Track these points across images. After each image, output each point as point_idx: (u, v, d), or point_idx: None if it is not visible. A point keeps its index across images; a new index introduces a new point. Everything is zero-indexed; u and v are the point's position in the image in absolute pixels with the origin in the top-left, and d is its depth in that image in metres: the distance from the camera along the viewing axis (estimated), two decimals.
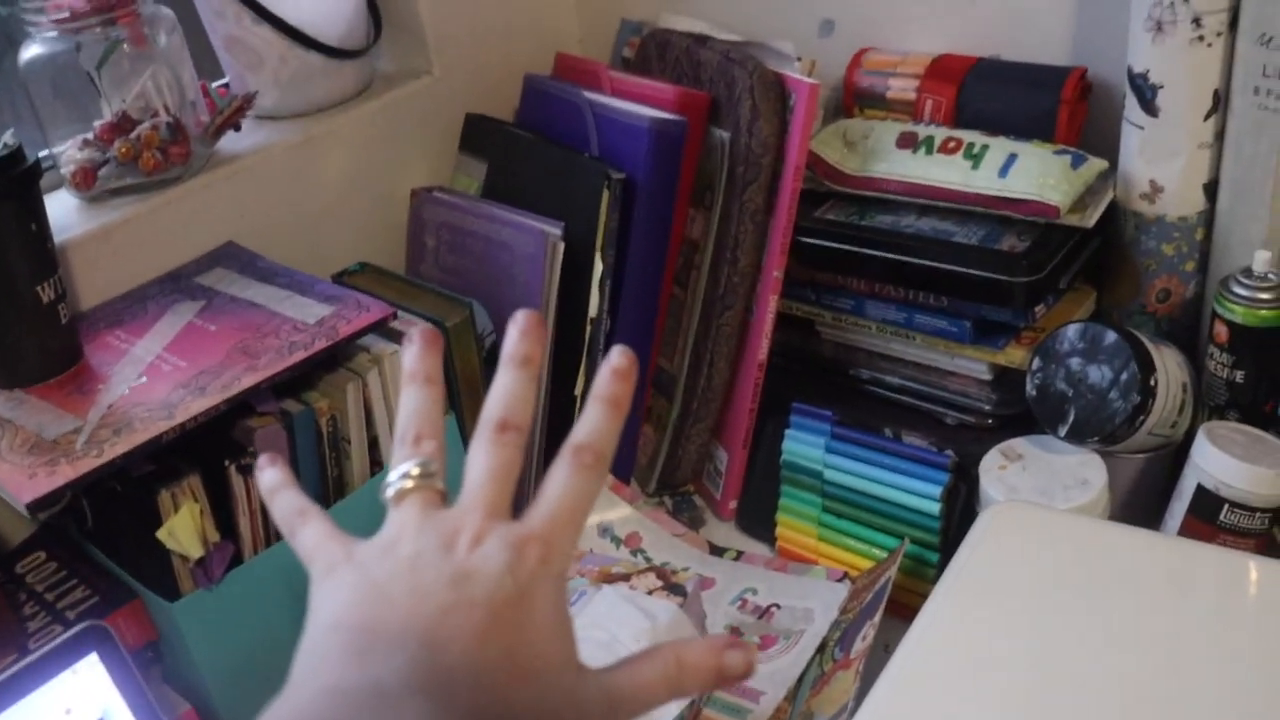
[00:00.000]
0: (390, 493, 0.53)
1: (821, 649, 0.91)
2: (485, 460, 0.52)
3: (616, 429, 0.53)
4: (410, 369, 0.57)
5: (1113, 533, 0.86)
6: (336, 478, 0.96)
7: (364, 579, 0.49)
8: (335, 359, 0.97)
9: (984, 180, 1.01)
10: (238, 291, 1.02)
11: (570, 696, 0.48)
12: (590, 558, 0.95)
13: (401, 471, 0.53)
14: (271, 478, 0.58)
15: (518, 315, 0.56)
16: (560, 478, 0.52)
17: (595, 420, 0.53)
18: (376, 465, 0.98)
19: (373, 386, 0.97)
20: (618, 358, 0.54)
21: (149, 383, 0.91)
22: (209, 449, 0.90)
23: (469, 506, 0.51)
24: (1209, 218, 1.02)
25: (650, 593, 0.87)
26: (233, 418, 0.91)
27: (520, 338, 0.55)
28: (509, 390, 0.54)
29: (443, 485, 0.54)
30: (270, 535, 0.92)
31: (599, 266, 1.06)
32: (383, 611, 0.47)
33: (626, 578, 0.89)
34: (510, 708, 0.46)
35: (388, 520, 0.52)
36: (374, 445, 0.98)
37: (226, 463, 0.89)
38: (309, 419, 0.93)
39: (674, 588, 0.87)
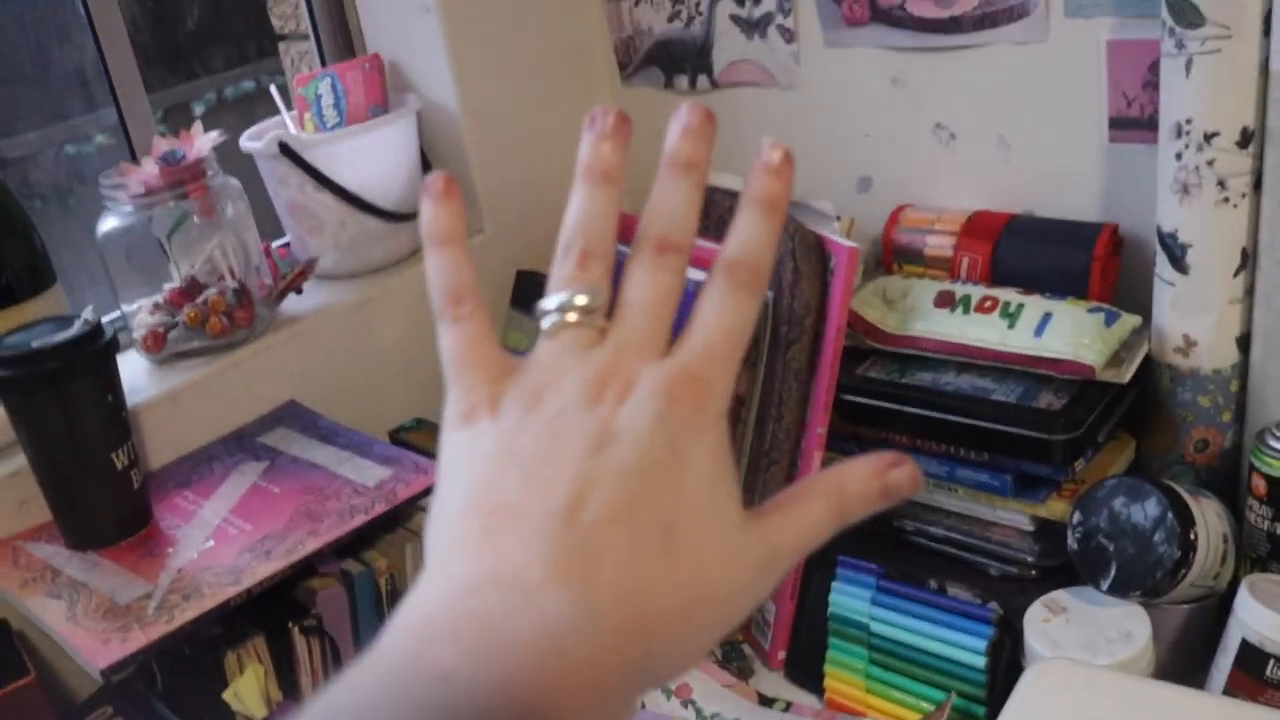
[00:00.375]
0: (546, 324, 0.47)
1: None
2: (641, 287, 0.46)
3: (774, 238, 0.47)
4: (587, 161, 0.49)
5: (1158, 692, 0.87)
6: None
7: (504, 442, 0.44)
8: (394, 519, 1.00)
9: (1020, 340, 1.04)
10: (300, 452, 1.06)
11: (728, 566, 0.43)
12: (642, 714, 0.97)
13: (562, 300, 0.47)
14: (435, 219, 0.51)
15: (682, 107, 0.48)
16: (713, 301, 0.46)
17: (748, 229, 0.47)
18: None
19: None
20: (771, 151, 0.47)
21: (216, 546, 0.95)
22: (273, 610, 0.94)
23: (621, 344, 0.45)
24: (1243, 370, 1.04)
25: None
26: (295, 579, 0.95)
27: (684, 136, 0.48)
28: (671, 201, 0.47)
29: (604, 322, 0.47)
30: None
31: None
32: (521, 490, 0.42)
33: None
34: (662, 594, 0.41)
35: (537, 351, 0.47)
36: None
37: (290, 624, 0.93)
38: (369, 579, 0.96)
39: None
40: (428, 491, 1.01)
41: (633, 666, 0.42)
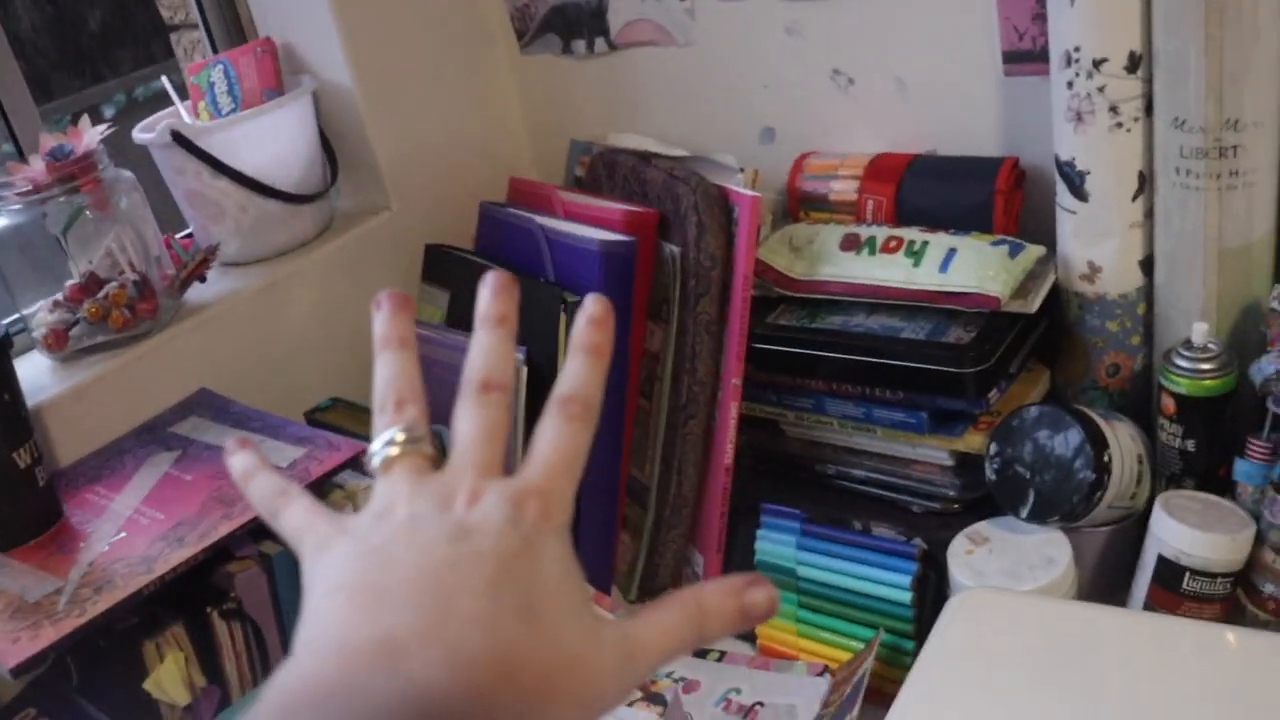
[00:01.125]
0: (376, 462, 0.50)
1: None
2: (472, 421, 0.50)
3: (600, 378, 0.51)
4: (381, 334, 0.55)
5: (1077, 612, 0.88)
6: None
7: (361, 545, 0.46)
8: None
9: (926, 277, 1.04)
10: (212, 439, 1.05)
11: (587, 644, 0.45)
12: None
13: (386, 439, 0.51)
14: (243, 462, 0.55)
15: (487, 276, 0.54)
16: (550, 430, 0.49)
17: (578, 370, 0.51)
18: None
19: None
20: (592, 305, 0.53)
21: (128, 537, 0.93)
22: (191, 597, 0.92)
23: (460, 467, 0.49)
24: (1148, 292, 1.05)
25: (631, 704, 0.89)
26: (212, 564, 0.93)
27: (493, 298, 0.53)
28: (488, 349, 0.52)
29: (430, 450, 0.51)
30: (257, 676, 0.94)
31: None
32: (386, 570, 0.45)
33: None
34: (526, 656, 0.43)
35: (376, 491, 0.50)
36: None
37: (209, 609, 0.91)
38: (287, 559, 0.95)
39: (654, 698, 0.89)
40: (343, 467, 1.00)
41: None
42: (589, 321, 0.53)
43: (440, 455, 0.51)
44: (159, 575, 0.88)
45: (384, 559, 0.45)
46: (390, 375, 0.53)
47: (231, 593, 0.92)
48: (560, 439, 0.49)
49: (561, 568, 0.46)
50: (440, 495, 0.47)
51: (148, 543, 0.92)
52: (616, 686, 0.46)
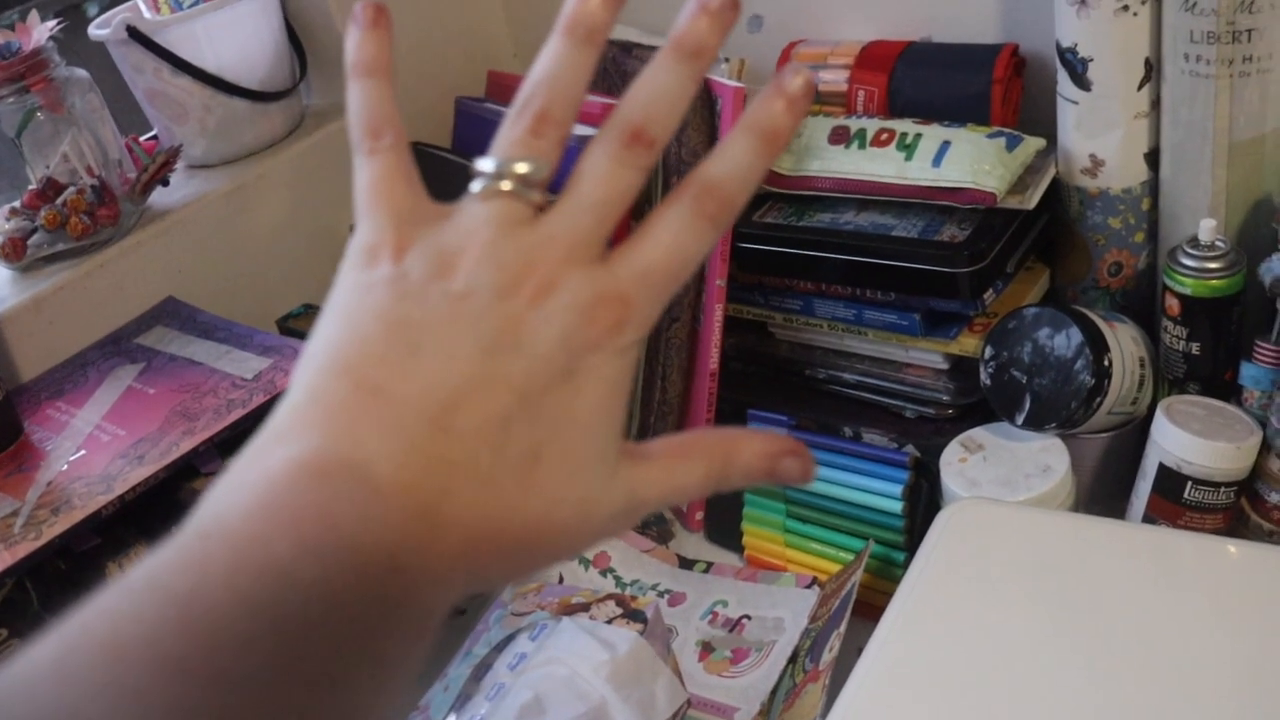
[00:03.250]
0: (477, 186, 0.42)
1: (793, 659, 0.90)
2: (596, 178, 0.42)
3: (761, 174, 0.43)
4: (573, 13, 0.44)
5: (1074, 523, 0.85)
6: None
7: (395, 308, 0.40)
8: None
9: (918, 171, 0.99)
10: (177, 350, 1.01)
11: (587, 508, 0.41)
12: (551, 588, 0.93)
13: (500, 163, 0.42)
14: (359, 48, 0.47)
15: None
16: (671, 222, 0.42)
17: (740, 158, 0.42)
18: None
19: None
20: (791, 80, 0.42)
21: (88, 455, 0.90)
22: (155, 515, 0.89)
23: (553, 235, 0.41)
24: (1153, 187, 1.00)
25: (610, 621, 0.86)
26: (177, 481, 0.90)
27: (698, 16, 0.43)
28: (660, 87, 0.43)
29: (542, 198, 0.42)
30: None
31: None
32: (398, 370, 0.39)
33: (586, 607, 0.88)
34: (509, 521, 0.39)
35: (462, 209, 0.42)
36: None
37: (173, 528, 0.88)
38: None
39: (634, 614, 0.86)
40: None
41: (457, 585, 0.39)
42: (786, 100, 0.42)
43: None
44: (118, 495, 0.85)
45: (408, 348, 0.39)
46: (552, 72, 0.44)
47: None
48: (679, 237, 0.42)
49: (599, 406, 0.40)
50: (513, 271, 0.40)
51: (107, 460, 0.89)
52: (596, 541, 0.43)
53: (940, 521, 0.84)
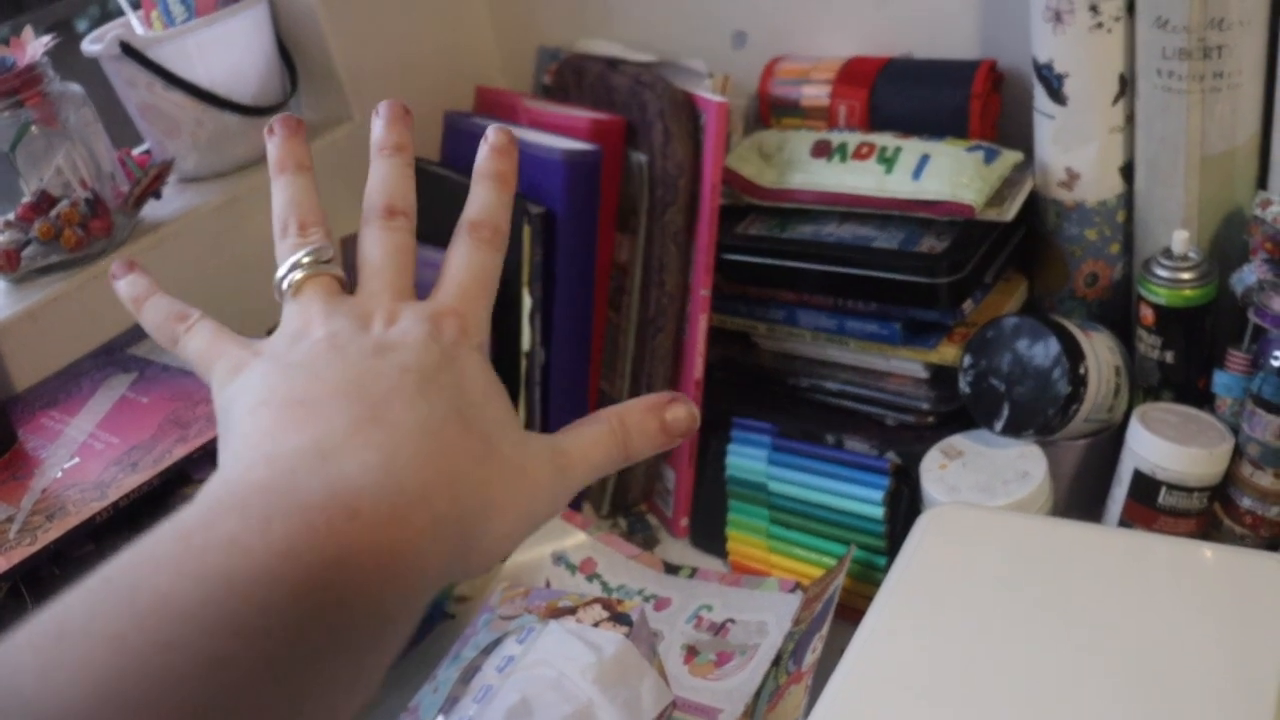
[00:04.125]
0: (285, 286, 0.50)
1: (777, 662, 0.92)
2: (380, 246, 0.50)
3: (507, 204, 0.53)
4: (276, 159, 0.54)
5: (1051, 528, 0.87)
6: None
7: (280, 363, 0.45)
8: None
9: (897, 184, 1.01)
10: (170, 359, 1.02)
11: (521, 454, 0.45)
12: (538, 592, 0.95)
13: (292, 262, 0.50)
14: (131, 286, 0.54)
15: (380, 107, 0.56)
16: (461, 254, 0.50)
17: (485, 197, 0.53)
18: None
19: None
20: (494, 135, 0.54)
21: (82, 463, 0.91)
22: (148, 522, 0.90)
23: (374, 290, 0.49)
24: (1128, 200, 1.02)
25: (596, 624, 0.87)
26: (170, 488, 0.91)
27: (387, 128, 0.55)
28: (388, 177, 0.53)
29: (340, 271, 0.51)
30: None
31: (527, 301, 1.06)
32: (311, 383, 0.44)
33: (573, 611, 0.89)
34: (462, 463, 0.43)
35: (286, 315, 0.49)
36: None
37: None
38: None
39: (620, 617, 0.87)
40: None
41: (441, 540, 0.40)
42: (492, 150, 0.54)
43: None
44: (112, 501, 0.86)
45: (308, 373, 0.44)
46: (289, 198, 0.53)
47: None
48: (472, 262, 0.50)
49: (486, 381, 0.46)
50: (357, 315, 0.47)
51: (101, 468, 0.90)
52: (550, 498, 0.47)
53: (920, 525, 0.86)
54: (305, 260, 0.49)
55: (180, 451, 0.89)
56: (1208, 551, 0.80)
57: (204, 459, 0.91)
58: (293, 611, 0.36)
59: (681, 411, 0.50)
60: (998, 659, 0.74)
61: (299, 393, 0.43)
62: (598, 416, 0.50)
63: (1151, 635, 0.73)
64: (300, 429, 0.41)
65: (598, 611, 0.90)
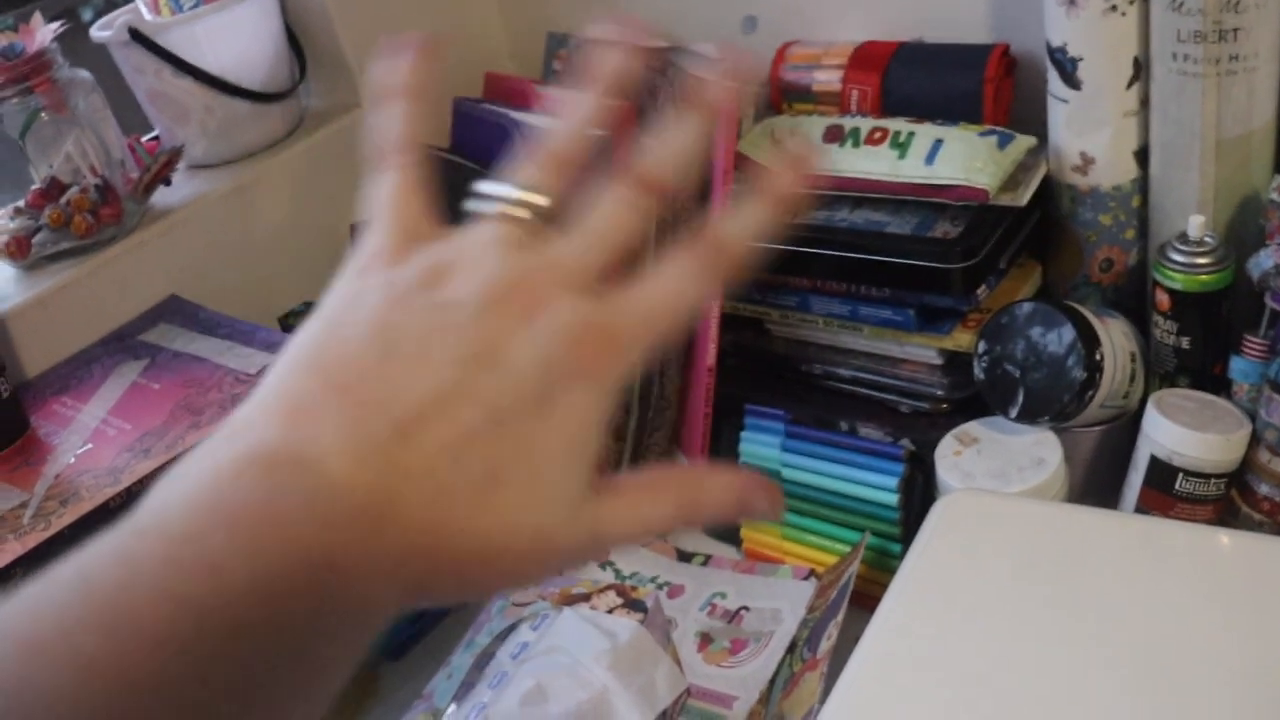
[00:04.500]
0: (487, 207, 0.43)
1: (791, 649, 0.91)
2: (605, 215, 0.43)
3: (767, 235, 0.44)
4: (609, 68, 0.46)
5: (1067, 514, 0.86)
6: None
7: (379, 311, 0.40)
8: None
9: (911, 169, 1.01)
10: (181, 346, 1.02)
11: (544, 539, 0.40)
12: (558, 579, 0.95)
13: (515, 191, 0.43)
14: (412, 71, 0.46)
15: (735, 53, 0.45)
16: (679, 271, 0.43)
17: (756, 221, 0.44)
18: None
19: None
20: (807, 149, 0.45)
21: (95, 449, 0.91)
22: None
23: (554, 260, 0.41)
24: (1143, 184, 1.02)
25: (611, 611, 0.87)
26: None
27: (716, 84, 0.45)
28: (680, 142, 0.45)
29: (548, 231, 0.42)
30: None
31: None
32: (370, 373, 0.39)
33: (587, 597, 0.89)
34: (461, 537, 0.38)
35: (468, 230, 0.42)
36: None
37: None
38: None
39: (634, 604, 0.87)
40: None
41: (393, 594, 0.38)
42: (794, 173, 0.44)
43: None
44: (125, 487, 0.86)
45: (384, 352, 0.39)
46: (574, 125, 0.45)
47: None
48: (683, 288, 0.42)
49: (570, 438, 0.39)
50: (504, 287, 0.40)
51: (114, 454, 0.90)
52: (564, 567, 0.43)
53: (935, 512, 0.86)
54: (532, 200, 0.42)
55: (193, 437, 0.89)
56: (1224, 538, 0.80)
57: None
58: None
59: (764, 503, 0.44)
60: (1012, 647, 0.73)
61: (354, 379, 0.38)
62: (669, 486, 0.43)
63: (1167, 623, 0.72)
64: (317, 434, 0.37)
65: (612, 598, 0.90)
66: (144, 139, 1.20)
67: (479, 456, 0.38)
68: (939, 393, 1.03)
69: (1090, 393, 0.93)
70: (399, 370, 0.39)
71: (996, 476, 0.93)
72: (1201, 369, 0.97)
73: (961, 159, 1.00)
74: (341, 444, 0.37)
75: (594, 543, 0.41)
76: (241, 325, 1.03)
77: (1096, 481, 0.99)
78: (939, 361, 1.04)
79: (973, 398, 1.01)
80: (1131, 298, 1.05)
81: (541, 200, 0.42)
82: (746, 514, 0.45)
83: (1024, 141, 1.03)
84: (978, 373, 0.97)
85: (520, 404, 0.38)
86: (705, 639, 0.96)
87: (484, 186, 0.43)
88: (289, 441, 0.37)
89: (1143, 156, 1.01)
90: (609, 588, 0.90)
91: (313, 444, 0.37)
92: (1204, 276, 0.94)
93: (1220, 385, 0.95)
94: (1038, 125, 1.05)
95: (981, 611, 0.77)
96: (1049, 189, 1.05)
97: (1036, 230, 1.07)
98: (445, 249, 0.42)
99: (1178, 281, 0.94)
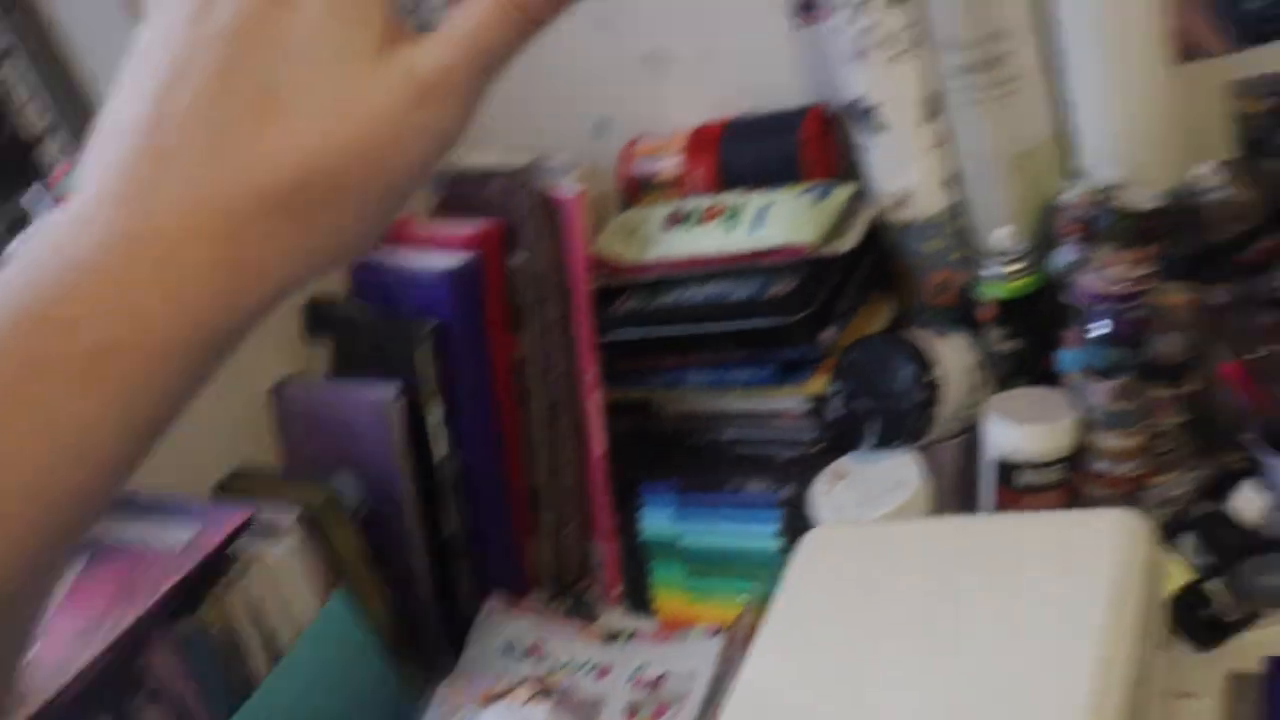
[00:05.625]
0: None
1: (709, 702, 0.98)
2: None
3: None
4: None
5: (921, 528, 0.93)
6: (242, 680, 1.04)
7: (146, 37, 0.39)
8: (218, 571, 1.04)
9: (739, 239, 1.08)
10: (117, 535, 1.10)
11: (356, 105, 0.37)
12: (477, 682, 1.02)
13: None
14: None
15: None
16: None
17: None
18: (277, 660, 1.05)
19: (256, 585, 1.05)
20: None
21: (41, 649, 0.99)
22: (115, 693, 0.98)
23: None
24: (958, 209, 1.09)
25: (526, 702, 0.94)
26: (130, 657, 0.99)
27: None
28: None
29: None
30: None
31: (434, 413, 1.14)
32: (131, 89, 0.38)
33: (505, 695, 0.96)
34: (269, 160, 0.37)
35: None
36: (271, 639, 1.06)
37: (131, 699, 0.97)
38: (200, 636, 1.01)
39: (546, 692, 0.94)
40: (235, 535, 1.05)
41: (304, 255, 0.38)
42: None
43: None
44: (71, 678, 0.93)
45: (149, 69, 0.38)
46: None
47: (149, 680, 0.98)
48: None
49: (325, 8, 0.37)
50: None
51: (60, 649, 0.98)
52: (416, 142, 0.38)
53: (796, 551, 0.92)
54: None
55: (130, 617, 0.97)
56: (1050, 520, 0.86)
57: (161, 621, 0.99)
58: None
59: None
60: (870, 660, 0.79)
61: (124, 103, 0.38)
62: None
63: (997, 609, 0.78)
64: (95, 169, 0.38)
65: (527, 690, 0.97)
66: None
67: (240, 82, 0.37)
68: (811, 437, 1.10)
69: (932, 410, 0.99)
70: (149, 67, 0.38)
71: (863, 504, 0.99)
72: (1035, 367, 1.03)
73: (785, 220, 1.07)
74: (102, 172, 0.38)
75: (414, 82, 0.38)
76: (168, 503, 1.11)
77: (964, 489, 1.05)
78: (808, 408, 1.10)
79: (843, 434, 1.08)
80: (971, 313, 1.12)
81: None
82: None
83: (842, 191, 1.10)
84: (833, 413, 1.04)
85: (258, 13, 0.37)
86: (632, 710, 1.03)
87: None
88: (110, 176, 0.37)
89: (952, 184, 1.08)
90: (523, 681, 0.97)
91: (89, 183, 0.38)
92: (1018, 282, 1.01)
93: (1054, 378, 1.02)
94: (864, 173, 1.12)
95: (839, 635, 0.83)
96: (881, 228, 1.12)
97: (878, 268, 1.14)
98: None
99: (997, 291, 1.01)
